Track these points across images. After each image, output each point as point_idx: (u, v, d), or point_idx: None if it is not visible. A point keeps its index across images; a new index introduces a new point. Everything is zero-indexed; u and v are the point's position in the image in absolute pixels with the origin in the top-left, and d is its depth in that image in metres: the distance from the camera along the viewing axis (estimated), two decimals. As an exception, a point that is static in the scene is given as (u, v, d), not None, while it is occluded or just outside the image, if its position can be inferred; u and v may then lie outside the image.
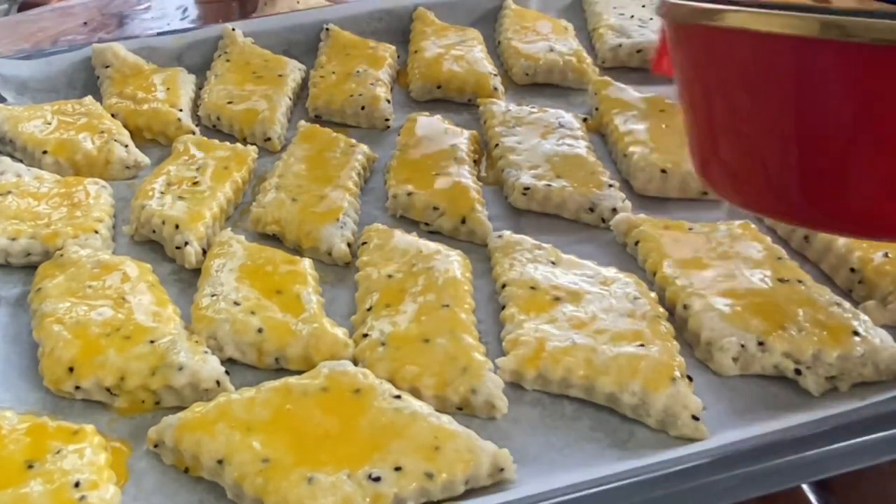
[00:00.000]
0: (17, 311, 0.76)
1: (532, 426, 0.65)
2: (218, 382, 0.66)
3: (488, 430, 0.63)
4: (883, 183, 0.58)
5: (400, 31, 1.21)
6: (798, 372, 0.67)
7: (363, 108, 1.02)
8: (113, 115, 1.00)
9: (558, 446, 0.63)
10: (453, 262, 0.76)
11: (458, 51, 1.11)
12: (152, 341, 0.67)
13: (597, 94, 1.03)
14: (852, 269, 0.76)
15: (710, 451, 0.60)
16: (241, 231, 0.84)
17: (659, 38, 0.89)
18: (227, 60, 1.09)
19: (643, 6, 1.23)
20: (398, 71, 1.14)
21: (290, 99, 1.06)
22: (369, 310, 0.72)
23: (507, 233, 0.81)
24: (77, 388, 0.66)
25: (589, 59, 1.11)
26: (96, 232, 0.81)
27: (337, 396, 0.61)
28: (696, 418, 0.62)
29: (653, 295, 0.73)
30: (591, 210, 0.86)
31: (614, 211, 0.85)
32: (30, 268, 0.79)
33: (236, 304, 0.71)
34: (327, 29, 1.16)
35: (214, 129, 1.03)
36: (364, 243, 0.81)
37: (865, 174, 0.58)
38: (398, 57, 1.15)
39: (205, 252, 0.81)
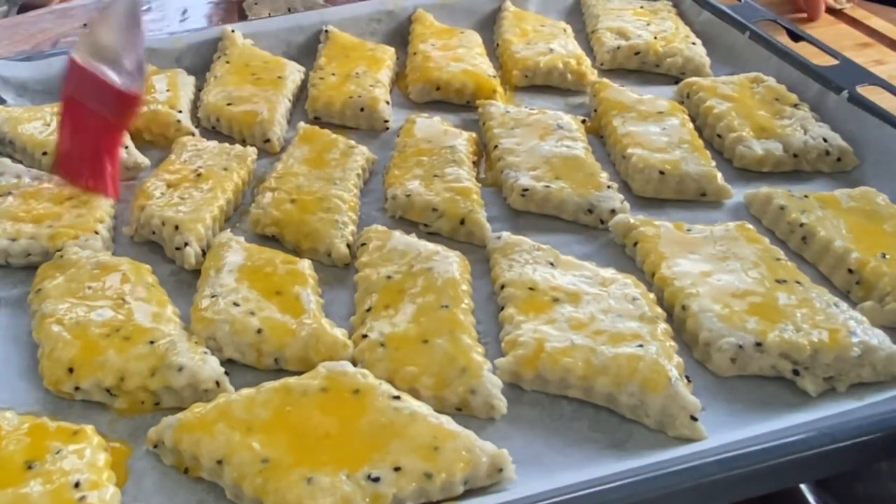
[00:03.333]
0: (17, 312, 0.76)
1: (531, 426, 0.65)
2: (217, 383, 0.66)
3: (487, 431, 0.64)
4: None
5: (399, 32, 1.21)
6: (796, 372, 0.67)
7: (362, 109, 1.03)
8: (113, 117, 1.00)
9: (557, 447, 0.63)
10: (452, 263, 0.76)
11: (457, 53, 1.11)
12: (152, 342, 0.67)
13: (595, 95, 1.04)
14: (850, 270, 0.76)
15: (709, 451, 0.60)
16: (240, 232, 0.84)
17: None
18: (227, 62, 1.10)
19: (641, 7, 1.23)
20: (397, 73, 1.14)
21: (290, 101, 1.06)
22: (368, 310, 0.72)
23: (505, 234, 0.82)
24: (77, 388, 0.66)
25: (588, 61, 1.12)
26: (96, 233, 0.82)
27: (336, 397, 0.62)
28: (694, 419, 0.63)
29: (651, 296, 0.73)
30: (590, 211, 0.86)
31: (613, 212, 0.85)
32: (30, 268, 0.79)
33: (236, 304, 0.71)
34: (326, 31, 1.16)
35: (214, 131, 1.03)
36: (363, 244, 0.81)
37: None
38: (397, 59, 1.15)
39: (204, 253, 0.81)
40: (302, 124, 0.99)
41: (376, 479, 0.56)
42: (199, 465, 0.60)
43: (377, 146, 0.99)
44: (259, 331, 0.69)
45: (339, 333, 0.70)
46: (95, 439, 0.61)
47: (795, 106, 0.99)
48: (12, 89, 1.06)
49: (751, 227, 0.81)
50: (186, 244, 0.80)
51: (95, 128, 0.85)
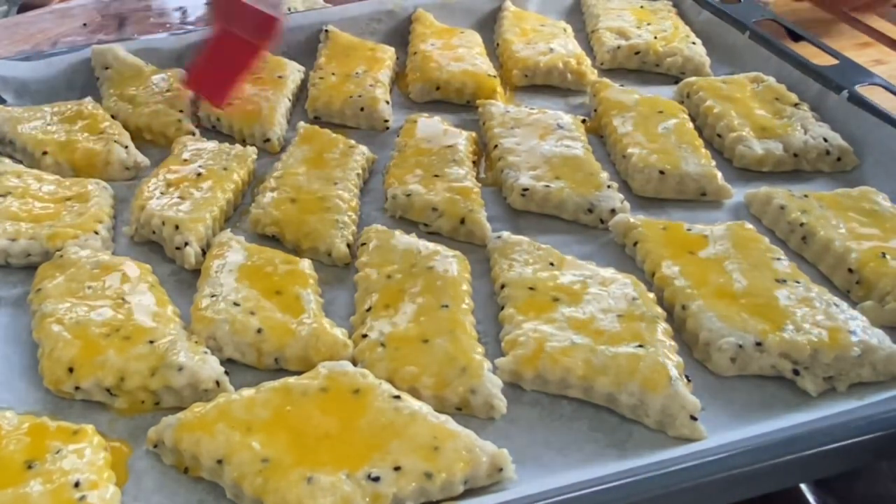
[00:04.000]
0: (17, 312, 0.76)
1: (531, 426, 0.65)
2: (217, 383, 0.66)
3: (487, 431, 0.64)
4: None
5: (399, 32, 1.21)
6: (796, 372, 0.67)
7: (362, 109, 1.03)
8: (113, 116, 1.00)
9: (557, 446, 0.63)
10: (452, 263, 0.76)
11: (457, 52, 1.11)
12: (152, 342, 0.67)
13: (595, 95, 1.04)
14: (850, 270, 0.76)
15: (709, 451, 0.60)
16: (240, 232, 0.84)
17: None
18: (227, 62, 1.10)
19: (641, 7, 1.23)
20: (397, 73, 1.14)
21: (290, 100, 1.06)
22: (368, 310, 0.72)
23: (505, 234, 0.82)
24: (77, 388, 0.66)
25: (588, 61, 1.12)
26: (96, 233, 0.82)
27: (336, 397, 0.62)
28: (694, 418, 0.63)
29: (651, 295, 0.73)
30: (590, 211, 0.86)
31: (613, 212, 0.85)
32: (30, 268, 0.79)
33: (236, 304, 0.71)
34: (326, 31, 1.16)
35: (214, 130, 1.03)
36: (363, 244, 0.81)
37: None
38: (397, 59, 1.15)
39: (204, 253, 0.81)
40: (302, 124, 0.99)
41: (376, 479, 0.56)
42: (199, 465, 0.60)
43: (377, 146, 0.99)
44: (259, 330, 0.69)
45: (339, 333, 0.70)
46: (95, 439, 0.61)
47: (795, 105, 0.99)
48: (12, 89, 1.06)
49: (751, 226, 0.81)
50: (186, 244, 0.80)
51: (236, 50, 0.96)
